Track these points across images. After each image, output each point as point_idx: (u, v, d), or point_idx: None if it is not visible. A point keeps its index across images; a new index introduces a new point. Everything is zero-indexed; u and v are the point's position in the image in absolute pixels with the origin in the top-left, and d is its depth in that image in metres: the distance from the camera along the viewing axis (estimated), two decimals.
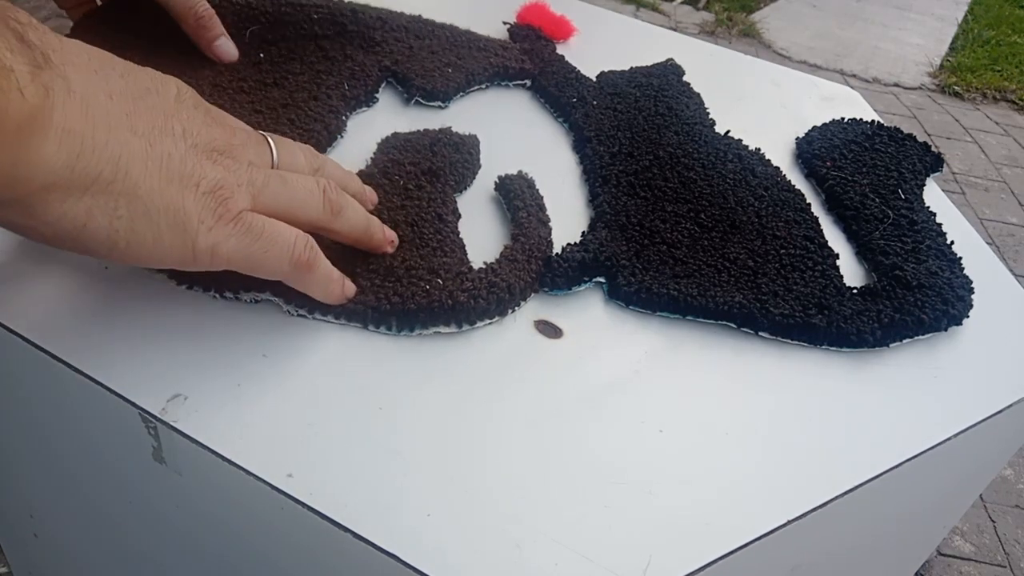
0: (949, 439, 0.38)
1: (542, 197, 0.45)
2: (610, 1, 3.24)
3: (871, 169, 0.54)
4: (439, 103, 0.53)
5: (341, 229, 0.35)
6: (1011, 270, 0.50)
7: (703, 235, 0.44)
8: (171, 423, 0.30)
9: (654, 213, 0.45)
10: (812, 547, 0.36)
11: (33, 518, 0.46)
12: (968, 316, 0.44)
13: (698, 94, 0.60)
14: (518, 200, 0.44)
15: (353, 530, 0.28)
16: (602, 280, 0.41)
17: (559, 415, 0.34)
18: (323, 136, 0.46)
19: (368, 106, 0.52)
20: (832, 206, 0.52)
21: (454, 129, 0.49)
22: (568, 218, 0.46)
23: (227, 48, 0.49)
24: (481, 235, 0.43)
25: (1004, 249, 1.95)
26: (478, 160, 0.48)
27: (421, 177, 0.44)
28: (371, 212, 0.39)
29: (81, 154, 0.25)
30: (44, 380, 0.34)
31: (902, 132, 0.59)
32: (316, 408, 0.32)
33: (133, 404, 0.30)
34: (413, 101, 0.53)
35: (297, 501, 0.29)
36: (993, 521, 1.30)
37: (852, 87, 0.71)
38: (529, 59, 0.60)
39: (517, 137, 0.52)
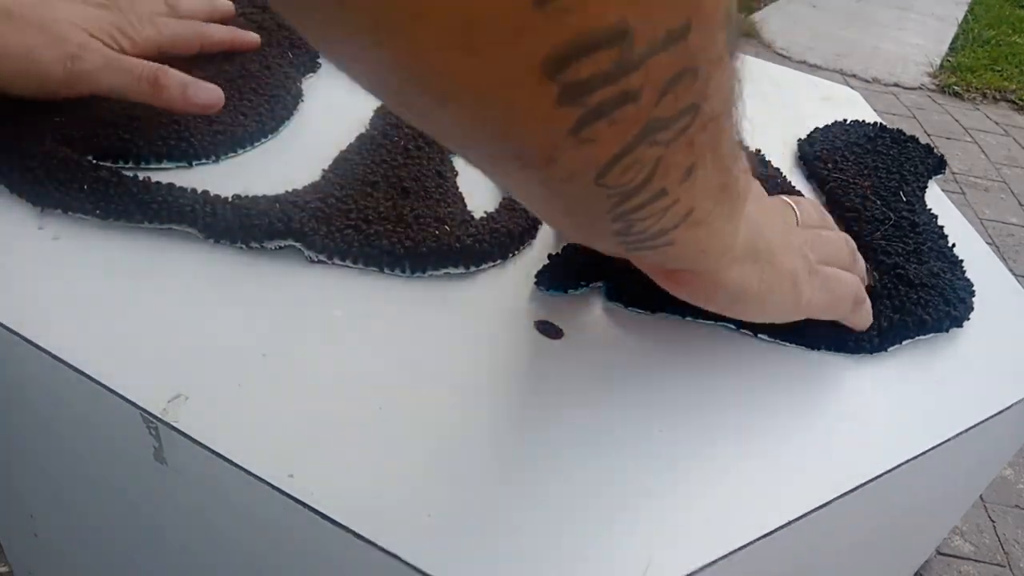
0: (949, 440, 0.38)
1: None
2: None
3: (873, 171, 0.54)
4: None
5: None
6: (1011, 270, 0.49)
7: None
8: (172, 423, 0.30)
9: None
10: (812, 548, 0.36)
11: (33, 518, 0.46)
12: (969, 319, 0.43)
13: None
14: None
15: (354, 530, 0.28)
16: (600, 284, 0.41)
17: (559, 415, 0.34)
18: (288, 101, 0.50)
19: (313, 72, 0.54)
20: (833, 208, 0.51)
21: None
22: None
23: (204, 94, 0.44)
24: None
25: (1004, 249, 1.95)
26: None
27: (419, 139, 0.48)
28: (374, 169, 0.45)
29: (754, 235, 0.33)
30: (44, 381, 0.34)
31: (904, 134, 0.59)
32: (317, 408, 0.32)
33: (134, 404, 0.30)
34: None
35: (298, 501, 0.29)
36: (993, 521, 1.30)
37: (852, 87, 0.71)
38: None
39: None
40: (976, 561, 1.23)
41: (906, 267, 0.44)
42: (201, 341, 0.34)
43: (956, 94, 3.00)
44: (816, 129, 0.59)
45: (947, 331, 0.43)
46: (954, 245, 0.48)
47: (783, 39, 3.25)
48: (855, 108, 0.67)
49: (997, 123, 2.79)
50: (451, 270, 0.40)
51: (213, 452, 0.30)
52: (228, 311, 0.36)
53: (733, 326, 0.40)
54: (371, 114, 0.50)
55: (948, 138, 2.57)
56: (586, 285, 0.41)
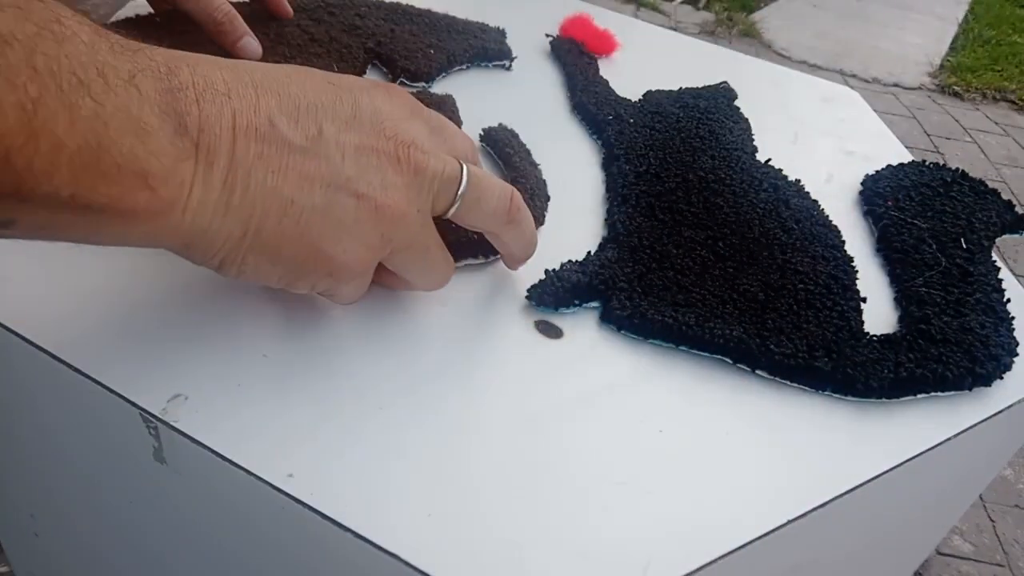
0: (949, 439, 0.38)
1: (525, 144, 0.50)
2: (610, 1, 3.24)
3: (938, 215, 0.50)
4: (423, 84, 0.55)
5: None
6: (1011, 270, 0.49)
7: (716, 264, 0.42)
8: (172, 423, 0.30)
9: (669, 237, 0.43)
10: (812, 547, 0.36)
11: (34, 518, 0.46)
12: (1001, 378, 0.40)
13: (746, 119, 0.57)
14: (508, 148, 0.48)
15: (354, 530, 0.28)
16: (594, 305, 0.40)
17: (559, 415, 0.34)
18: None
19: None
20: (882, 246, 0.49)
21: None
22: (579, 236, 0.45)
23: (251, 47, 0.48)
24: None
25: (1004, 249, 1.95)
26: (459, 118, 0.51)
27: None
28: None
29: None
30: (44, 380, 0.34)
31: (985, 185, 0.54)
32: (317, 408, 0.32)
33: (134, 404, 0.30)
34: (398, 82, 0.55)
35: (298, 501, 0.29)
36: (992, 521, 1.30)
37: (852, 87, 0.71)
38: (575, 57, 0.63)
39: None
40: (976, 561, 1.23)
41: (932, 321, 0.41)
42: (202, 341, 0.34)
43: (956, 94, 3.00)
44: (887, 166, 0.56)
45: (970, 389, 0.40)
46: (1008, 300, 0.44)
47: (783, 39, 3.25)
48: (855, 108, 0.67)
49: (997, 123, 2.79)
50: (470, 261, 0.41)
51: (213, 452, 0.30)
52: (229, 311, 0.36)
53: (729, 359, 0.39)
54: None
55: (948, 138, 2.57)
56: (579, 304, 0.40)
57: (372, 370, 0.34)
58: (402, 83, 0.55)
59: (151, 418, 0.30)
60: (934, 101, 2.91)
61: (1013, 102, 2.99)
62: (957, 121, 2.74)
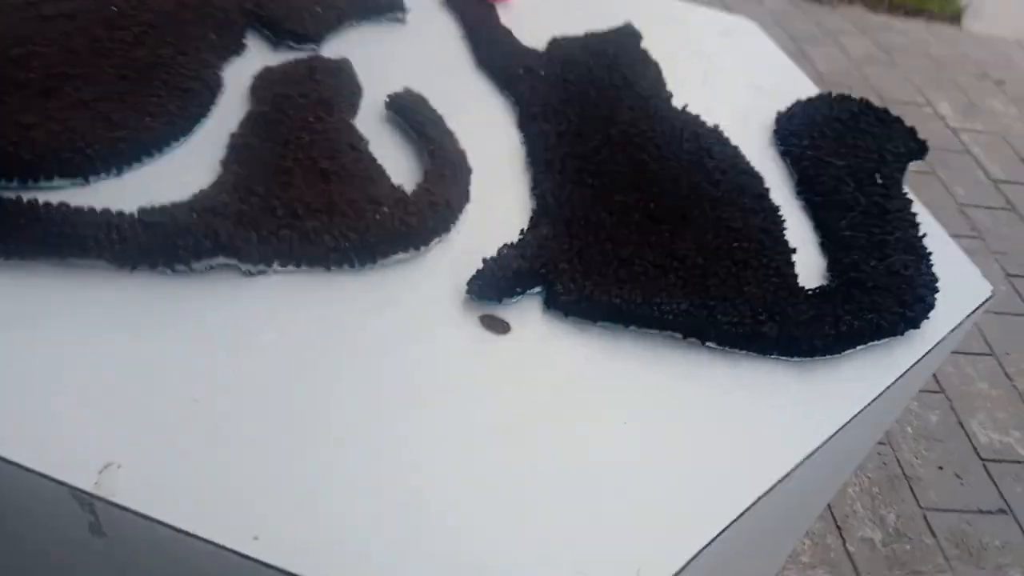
0: (895, 382, 0.39)
1: (436, 110, 0.46)
2: None
3: (851, 150, 0.50)
4: (312, 45, 0.50)
5: None
6: (916, 198, 0.50)
7: (652, 229, 0.41)
8: (107, 498, 0.27)
9: (601, 204, 0.42)
10: (788, 504, 0.37)
11: None
12: (928, 318, 0.41)
13: (656, 63, 0.55)
14: (419, 115, 0.45)
15: None
16: (538, 291, 0.38)
17: (520, 420, 0.33)
18: (204, 95, 0.43)
19: (238, 55, 0.48)
20: (803, 189, 0.48)
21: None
22: (507, 211, 0.42)
23: None
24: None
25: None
26: (359, 84, 0.47)
27: (317, 108, 0.43)
28: (282, 152, 0.39)
29: None
30: None
31: (890, 114, 0.55)
32: (262, 454, 0.29)
33: (61, 483, 0.27)
34: (283, 44, 0.50)
35: (267, 565, 0.26)
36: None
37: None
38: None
39: (459, 114, 0.47)
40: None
41: (862, 267, 0.42)
42: (125, 397, 0.30)
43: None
44: (797, 102, 0.55)
45: (902, 334, 0.40)
46: (924, 235, 0.45)
47: None
48: (755, 40, 0.67)
49: (853, 24, 2.89)
50: (401, 255, 0.37)
51: (158, 522, 0.27)
52: (145, 355, 0.32)
53: (679, 334, 0.38)
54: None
55: (813, 43, 2.65)
56: (522, 292, 0.38)
57: (311, 400, 0.32)
58: (289, 47, 0.49)
59: (83, 495, 0.27)
60: (795, 7, 2.99)
61: (864, 3, 3.11)
62: (819, 24, 2.83)
